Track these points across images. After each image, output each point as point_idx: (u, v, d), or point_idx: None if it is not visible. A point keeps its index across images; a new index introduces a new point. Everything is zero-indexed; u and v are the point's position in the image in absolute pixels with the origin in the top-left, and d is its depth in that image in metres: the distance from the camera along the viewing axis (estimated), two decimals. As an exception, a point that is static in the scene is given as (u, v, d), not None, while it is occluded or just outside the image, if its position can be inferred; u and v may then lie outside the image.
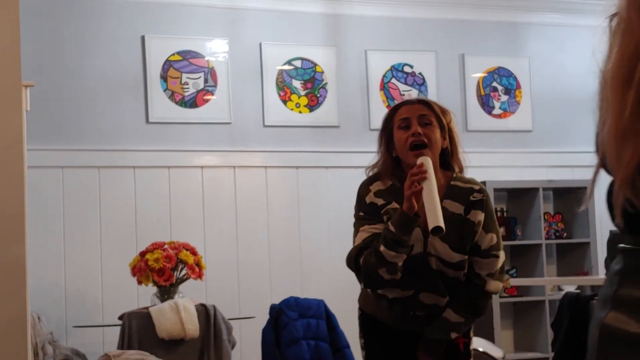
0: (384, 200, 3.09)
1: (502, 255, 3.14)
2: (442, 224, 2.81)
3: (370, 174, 3.23)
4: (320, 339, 5.68)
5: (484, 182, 6.83)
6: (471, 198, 3.11)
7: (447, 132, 3.14)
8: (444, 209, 2.92)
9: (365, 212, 3.11)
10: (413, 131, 3.05)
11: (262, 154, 6.67)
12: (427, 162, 2.94)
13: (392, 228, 2.91)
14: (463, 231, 3.07)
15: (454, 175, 3.18)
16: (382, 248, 2.93)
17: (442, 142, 3.11)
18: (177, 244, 5.60)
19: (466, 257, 3.07)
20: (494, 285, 3.17)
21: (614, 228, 5.87)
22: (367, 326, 3.24)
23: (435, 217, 2.81)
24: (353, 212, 3.21)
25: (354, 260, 3.06)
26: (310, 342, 5.61)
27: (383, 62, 7.07)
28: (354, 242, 3.11)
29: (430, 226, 2.82)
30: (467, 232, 3.08)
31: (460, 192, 3.12)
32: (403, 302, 3.12)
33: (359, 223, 3.12)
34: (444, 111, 3.17)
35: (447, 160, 3.16)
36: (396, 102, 3.32)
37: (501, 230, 6.94)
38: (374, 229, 3.04)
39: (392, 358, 3.20)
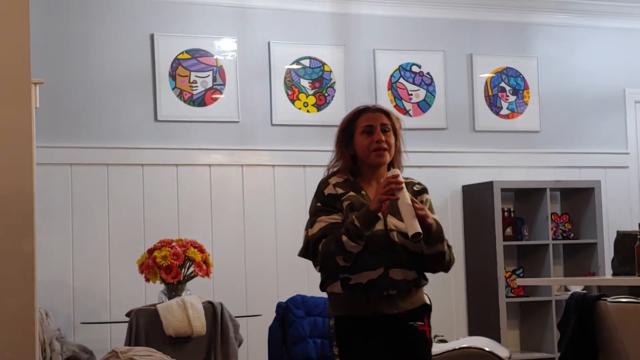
0: (343, 190, 3.43)
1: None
2: (420, 230, 3.24)
3: (331, 171, 3.55)
4: (327, 337, 5.69)
5: (490, 182, 6.90)
6: (415, 188, 3.60)
7: (397, 139, 3.56)
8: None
9: (322, 203, 3.42)
10: (377, 138, 3.46)
11: (270, 153, 6.69)
12: (399, 173, 3.38)
13: (356, 223, 3.28)
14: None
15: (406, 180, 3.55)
16: (344, 238, 3.28)
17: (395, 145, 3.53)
18: (185, 241, 5.62)
19: (421, 231, 3.32)
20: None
21: (621, 228, 5.87)
22: (342, 331, 3.41)
23: (413, 224, 3.25)
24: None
25: (312, 247, 3.36)
26: (317, 341, 5.63)
27: (391, 62, 7.08)
28: (306, 231, 3.41)
29: (411, 233, 3.24)
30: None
31: (407, 185, 3.48)
32: (376, 283, 3.35)
33: (315, 214, 3.41)
34: (398, 119, 3.58)
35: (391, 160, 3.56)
36: (357, 107, 3.59)
37: (508, 230, 7.01)
38: (331, 219, 3.37)
39: (369, 355, 3.39)
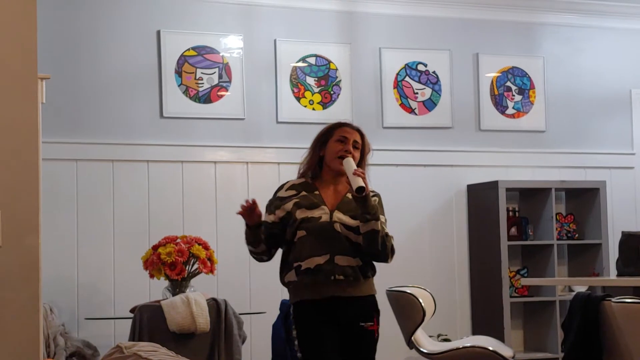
0: (295, 192, 4.02)
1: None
2: (363, 185, 3.76)
3: (302, 168, 4.11)
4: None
5: (495, 182, 6.90)
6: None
7: (363, 159, 4.09)
8: (349, 198, 3.94)
9: (270, 202, 4.07)
10: (346, 149, 4.00)
11: (275, 150, 6.69)
12: (351, 159, 3.95)
13: (246, 228, 3.96)
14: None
15: None
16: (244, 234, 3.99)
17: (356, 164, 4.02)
18: (190, 238, 5.62)
19: (364, 185, 3.83)
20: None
21: (626, 229, 5.85)
22: (299, 316, 3.92)
23: (357, 180, 3.78)
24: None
25: None
26: (320, 338, 5.62)
27: (397, 60, 7.08)
28: None
29: (355, 186, 3.77)
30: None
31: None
32: (323, 268, 3.84)
33: (267, 209, 4.07)
34: (369, 145, 4.13)
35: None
36: (340, 121, 4.15)
37: (513, 230, 7.01)
38: (266, 218, 4.01)
39: (321, 331, 3.87)
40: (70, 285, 6.13)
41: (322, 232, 3.88)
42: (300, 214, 3.91)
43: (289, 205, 3.95)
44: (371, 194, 3.98)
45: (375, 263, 4.03)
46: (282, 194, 4.04)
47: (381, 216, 3.94)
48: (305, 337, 3.90)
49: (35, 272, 3.28)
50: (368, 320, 3.96)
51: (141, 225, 6.29)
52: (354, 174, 3.83)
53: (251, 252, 4.02)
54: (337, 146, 4.00)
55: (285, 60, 6.78)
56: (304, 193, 3.99)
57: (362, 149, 4.08)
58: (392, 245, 3.96)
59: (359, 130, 4.10)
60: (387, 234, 3.93)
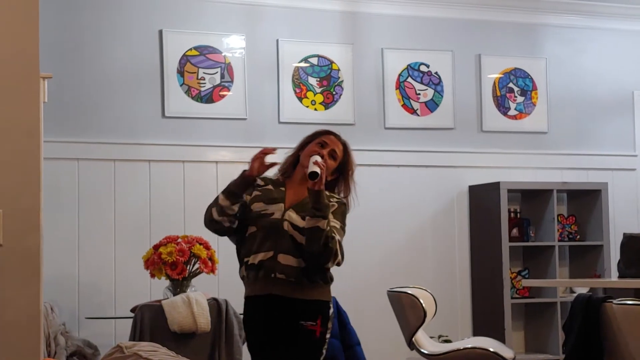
0: (264, 183, 3.98)
1: (337, 238, 3.82)
2: (317, 171, 3.67)
3: (280, 166, 4.09)
4: (332, 336, 5.67)
5: (497, 183, 6.89)
6: (331, 199, 3.89)
7: (342, 173, 4.03)
8: (306, 200, 3.79)
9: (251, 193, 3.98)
10: (322, 153, 3.93)
11: (277, 151, 6.68)
12: (319, 157, 3.84)
13: (230, 181, 3.87)
14: None
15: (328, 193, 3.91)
16: (219, 194, 3.88)
17: (331, 175, 3.97)
18: (191, 238, 5.62)
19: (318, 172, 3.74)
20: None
21: (628, 231, 5.85)
22: (245, 310, 3.92)
23: (313, 167, 3.72)
24: (347, 208, 4.02)
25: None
26: (321, 339, 5.61)
27: (399, 61, 7.07)
28: None
29: (309, 171, 3.70)
30: None
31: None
32: (265, 265, 3.79)
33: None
34: (351, 163, 4.06)
35: (332, 187, 4.00)
36: (330, 129, 4.13)
37: (514, 231, 7.00)
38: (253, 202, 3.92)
39: (263, 328, 3.82)
40: (71, 285, 6.13)
41: (270, 229, 3.82)
42: (255, 207, 3.87)
43: (252, 194, 3.94)
44: (334, 199, 3.90)
45: (333, 269, 3.88)
46: (258, 182, 3.99)
47: (336, 222, 3.83)
48: (249, 333, 3.90)
49: (36, 271, 3.28)
50: (310, 320, 3.78)
51: (142, 225, 6.29)
52: (314, 163, 3.76)
53: (219, 214, 3.84)
54: (313, 148, 3.97)
55: (288, 60, 6.78)
56: (269, 187, 3.97)
57: (344, 165, 4.02)
58: (336, 251, 3.77)
59: (344, 144, 4.07)
60: (333, 237, 3.74)
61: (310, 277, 3.80)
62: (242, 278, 3.93)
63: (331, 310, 3.88)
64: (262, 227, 3.83)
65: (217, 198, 3.87)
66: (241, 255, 3.92)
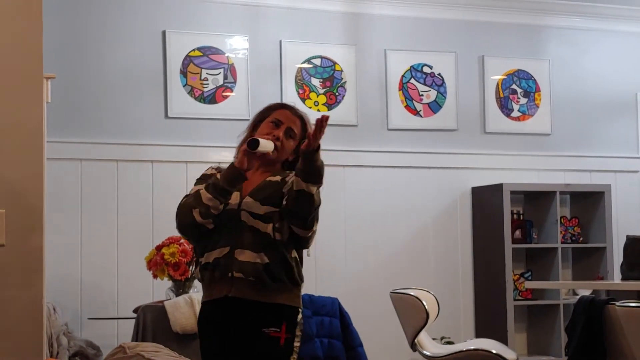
0: (217, 172, 3.41)
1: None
2: (259, 139, 3.21)
3: (235, 152, 3.43)
4: (334, 337, 5.68)
5: (500, 185, 6.88)
6: (287, 174, 3.37)
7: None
8: (268, 182, 3.33)
9: (198, 180, 3.45)
10: (277, 134, 3.38)
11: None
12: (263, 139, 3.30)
13: (218, 176, 3.29)
14: (274, 189, 3.32)
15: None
16: (202, 190, 3.26)
17: (291, 155, 3.42)
18: (193, 238, 5.61)
19: (276, 209, 3.25)
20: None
21: (631, 233, 5.86)
22: (201, 318, 3.38)
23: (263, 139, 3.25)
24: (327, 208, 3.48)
25: (176, 210, 3.34)
26: (324, 340, 5.62)
27: (402, 62, 7.07)
28: None
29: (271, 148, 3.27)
30: (276, 189, 3.32)
31: (284, 173, 3.40)
32: (220, 263, 3.24)
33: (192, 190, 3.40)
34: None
35: (293, 168, 3.31)
36: (283, 102, 3.62)
37: (517, 232, 6.99)
38: (196, 187, 3.36)
39: (217, 337, 3.29)
40: (74, 285, 6.13)
41: (226, 222, 3.26)
42: None
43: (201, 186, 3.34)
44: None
45: (298, 273, 3.31)
46: (207, 172, 3.48)
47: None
48: (203, 341, 3.37)
49: (39, 272, 3.28)
50: (273, 326, 3.22)
51: (145, 225, 6.29)
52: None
53: (203, 217, 3.23)
54: (267, 128, 3.42)
55: (291, 61, 6.78)
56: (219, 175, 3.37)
57: (301, 140, 3.36)
58: (315, 220, 3.26)
59: (302, 119, 3.46)
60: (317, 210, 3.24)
61: (274, 276, 3.22)
62: (200, 281, 3.38)
63: (300, 316, 3.29)
64: (217, 221, 3.25)
65: (197, 197, 3.26)
66: (197, 256, 3.38)
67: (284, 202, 3.23)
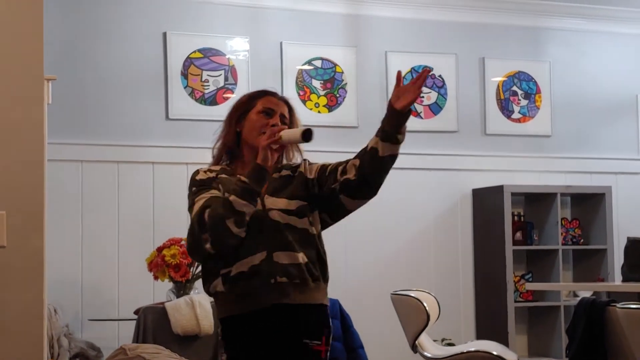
0: (215, 174, 3.13)
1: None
2: (311, 129, 2.96)
3: (215, 152, 3.28)
4: (335, 338, 5.68)
5: (501, 186, 6.88)
6: (294, 166, 3.19)
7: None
8: (277, 177, 3.10)
9: (197, 186, 3.09)
10: (275, 122, 3.11)
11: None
12: (288, 130, 3.06)
13: (243, 179, 2.95)
14: (294, 183, 3.12)
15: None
16: (232, 197, 2.92)
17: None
18: (194, 240, 5.61)
19: (305, 203, 3.06)
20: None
21: (631, 235, 5.86)
22: (229, 334, 3.02)
23: (296, 130, 3.01)
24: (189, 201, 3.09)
25: (197, 224, 2.93)
26: (324, 342, 5.61)
27: (403, 64, 7.07)
28: (191, 219, 2.99)
29: (299, 134, 2.96)
30: (297, 182, 3.12)
31: (287, 166, 3.20)
32: (260, 270, 2.95)
33: (193, 198, 3.04)
34: (297, 122, 3.24)
35: (281, 155, 3.19)
36: (263, 89, 3.26)
37: (518, 234, 6.99)
38: (210, 193, 3.01)
39: (258, 355, 2.99)
40: (75, 287, 6.13)
41: (255, 225, 2.96)
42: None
43: (219, 186, 3.06)
44: (291, 168, 3.18)
45: (327, 268, 3.11)
46: (203, 175, 3.14)
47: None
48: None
49: (40, 273, 3.28)
50: (314, 337, 3.00)
51: (146, 227, 6.29)
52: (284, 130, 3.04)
53: (238, 226, 2.92)
54: (260, 119, 3.13)
55: (291, 63, 6.78)
56: (224, 175, 3.12)
57: (290, 125, 3.18)
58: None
59: (287, 103, 3.23)
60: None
61: (313, 274, 3.01)
62: (217, 294, 3.00)
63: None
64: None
65: (227, 206, 2.92)
66: (213, 268, 3.00)
67: (352, 174, 3.06)
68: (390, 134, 3.04)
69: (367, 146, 3.08)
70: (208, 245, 2.91)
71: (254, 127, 3.13)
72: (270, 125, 3.08)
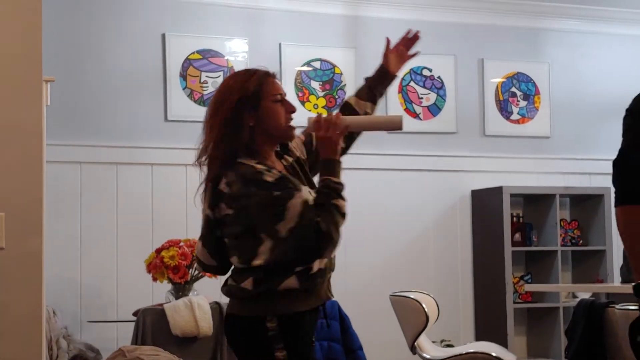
0: (276, 169, 2.86)
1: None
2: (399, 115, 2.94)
3: (225, 150, 2.96)
4: (334, 340, 5.68)
5: (500, 188, 6.88)
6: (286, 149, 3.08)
7: None
8: (293, 166, 2.98)
9: (277, 189, 2.79)
10: (293, 109, 2.96)
11: (279, 154, 6.68)
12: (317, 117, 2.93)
13: (337, 179, 2.87)
14: (304, 170, 3.06)
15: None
16: (339, 202, 2.85)
17: None
18: (193, 241, 5.61)
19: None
20: None
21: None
22: (292, 331, 2.87)
23: (388, 118, 2.98)
24: (252, 207, 2.82)
25: (314, 233, 2.78)
26: (324, 343, 5.62)
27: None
28: (272, 229, 2.77)
29: (399, 124, 2.96)
30: (305, 170, 3.07)
31: (294, 146, 3.10)
32: (327, 266, 2.90)
33: (277, 203, 2.77)
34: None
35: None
36: (258, 70, 2.96)
37: (517, 235, 6.99)
38: (299, 200, 2.79)
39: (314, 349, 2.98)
40: (73, 288, 6.13)
41: None
42: (304, 192, 2.85)
43: (294, 184, 2.85)
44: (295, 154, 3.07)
45: None
46: (270, 176, 2.81)
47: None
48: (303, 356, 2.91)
49: (39, 274, 3.28)
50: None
51: (145, 229, 6.29)
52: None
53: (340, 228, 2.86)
54: (281, 111, 2.93)
55: (290, 64, 6.78)
56: (284, 172, 2.92)
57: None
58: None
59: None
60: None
61: None
62: (281, 292, 2.83)
63: None
64: None
65: (339, 210, 2.86)
66: (285, 266, 2.83)
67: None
68: (380, 95, 3.10)
69: (356, 108, 3.21)
70: (328, 254, 2.85)
71: (279, 117, 2.91)
72: (289, 112, 2.94)
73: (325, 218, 2.79)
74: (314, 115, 2.97)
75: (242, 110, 2.89)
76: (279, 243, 2.78)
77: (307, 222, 2.77)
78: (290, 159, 3.04)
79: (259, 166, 2.83)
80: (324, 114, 2.93)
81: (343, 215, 2.86)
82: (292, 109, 2.96)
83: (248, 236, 2.83)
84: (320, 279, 2.88)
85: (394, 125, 2.95)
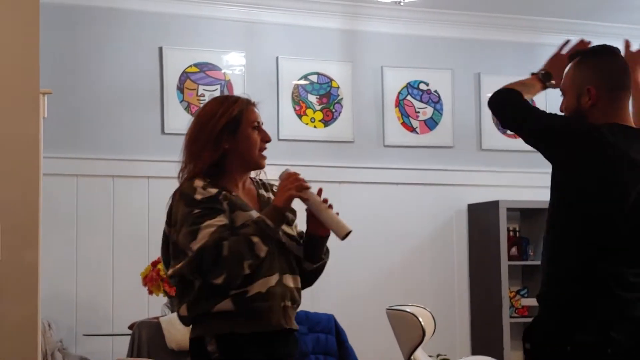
0: (216, 189, 2.93)
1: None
2: (351, 228, 2.95)
3: (194, 169, 3.05)
4: (330, 354, 5.67)
5: (496, 202, 6.88)
6: (268, 187, 3.23)
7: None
8: (266, 198, 3.09)
9: (199, 207, 2.90)
10: (268, 138, 3.11)
11: (276, 168, 6.64)
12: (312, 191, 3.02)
13: (269, 222, 2.87)
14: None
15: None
16: (255, 239, 2.83)
17: None
18: (189, 255, 5.60)
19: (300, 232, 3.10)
20: None
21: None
22: (231, 352, 2.86)
23: (342, 223, 2.95)
24: (176, 221, 3.00)
25: (210, 257, 2.78)
26: (319, 357, 5.61)
27: (399, 79, 7.08)
28: (188, 244, 2.85)
29: (343, 233, 2.95)
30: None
31: (263, 184, 3.23)
32: (275, 292, 2.89)
33: (194, 222, 2.87)
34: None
35: None
36: (241, 97, 3.11)
37: (513, 250, 6.99)
38: (217, 222, 2.84)
39: None
40: (69, 301, 6.11)
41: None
42: (241, 219, 2.89)
43: (223, 206, 2.90)
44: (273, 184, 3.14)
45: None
46: (203, 193, 2.92)
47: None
48: None
49: (34, 287, 3.27)
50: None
51: (141, 242, 6.28)
52: (329, 206, 2.97)
53: (251, 269, 2.83)
54: (256, 137, 3.07)
55: (287, 77, 6.79)
56: (225, 192, 2.95)
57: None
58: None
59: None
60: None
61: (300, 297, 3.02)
62: (217, 314, 2.85)
63: None
64: None
65: (249, 247, 2.81)
66: (218, 290, 2.83)
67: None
68: (320, 256, 3.06)
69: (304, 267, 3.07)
70: (219, 280, 2.80)
71: (254, 145, 3.05)
72: (264, 141, 3.07)
73: (232, 245, 2.81)
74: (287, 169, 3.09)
75: (223, 134, 3.00)
76: (189, 260, 2.84)
77: (212, 243, 2.80)
78: (267, 195, 3.13)
79: (200, 183, 2.94)
80: (295, 172, 3.04)
81: (252, 253, 2.82)
82: (268, 139, 3.09)
83: (172, 248, 2.98)
84: (262, 303, 2.86)
85: (337, 232, 2.97)
